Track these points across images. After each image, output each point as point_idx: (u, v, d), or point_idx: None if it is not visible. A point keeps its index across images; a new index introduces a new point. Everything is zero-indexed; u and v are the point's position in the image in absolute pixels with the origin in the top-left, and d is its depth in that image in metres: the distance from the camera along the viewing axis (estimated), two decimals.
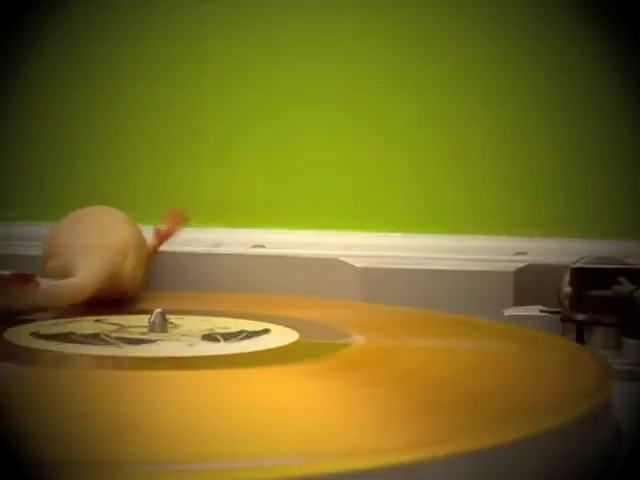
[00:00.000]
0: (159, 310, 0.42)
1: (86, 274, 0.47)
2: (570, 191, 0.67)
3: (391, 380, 0.35)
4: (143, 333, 0.41)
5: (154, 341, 0.40)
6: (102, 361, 0.37)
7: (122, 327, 0.43)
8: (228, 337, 0.41)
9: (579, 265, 0.54)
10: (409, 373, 0.36)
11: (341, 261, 0.62)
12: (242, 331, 0.43)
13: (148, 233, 0.61)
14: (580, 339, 0.51)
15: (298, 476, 0.23)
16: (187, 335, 0.41)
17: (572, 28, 0.66)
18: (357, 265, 0.62)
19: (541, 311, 0.55)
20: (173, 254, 0.63)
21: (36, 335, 0.41)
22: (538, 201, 0.67)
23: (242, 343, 0.40)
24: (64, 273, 0.48)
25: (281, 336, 0.42)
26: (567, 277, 0.55)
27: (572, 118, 0.67)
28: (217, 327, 0.43)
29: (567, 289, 0.54)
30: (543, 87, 0.67)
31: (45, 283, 0.44)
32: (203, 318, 0.46)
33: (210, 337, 0.41)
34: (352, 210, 0.68)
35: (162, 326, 0.42)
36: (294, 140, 0.69)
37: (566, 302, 0.54)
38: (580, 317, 0.51)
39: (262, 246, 0.65)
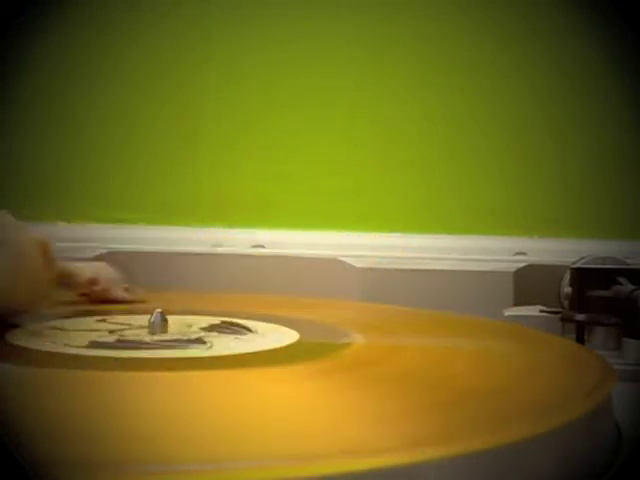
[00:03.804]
0: (159, 310, 0.42)
1: None
2: (570, 191, 0.67)
3: (391, 380, 0.35)
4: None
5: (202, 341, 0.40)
6: (102, 362, 0.37)
7: (131, 326, 0.43)
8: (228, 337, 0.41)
9: (579, 265, 0.54)
10: (409, 373, 0.36)
11: (341, 261, 0.62)
12: (243, 328, 0.43)
13: (150, 233, 0.61)
14: (580, 339, 0.51)
15: (298, 476, 0.23)
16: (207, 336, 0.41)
17: (574, 29, 0.66)
18: (357, 265, 0.62)
19: (541, 311, 0.55)
20: (173, 254, 0.63)
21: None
22: (538, 201, 0.67)
23: (244, 342, 0.40)
24: None
25: (281, 336, 0.42)
26: (567, 277, 0.55)
27: (572, 118, 0.67)
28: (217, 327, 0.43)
29: (567, 289, 0.54)
30: (543, 87, 0.67)
31: None
32: (203, 318, 0.46)
33: (210, 337, 0.41)
34: (352, 210, 0.68)
35: (162, 326, 0.42)
36: (294, 140, 0.69)
37: (566, 302, 0.54)
38: (580, 317, 0.51)
39: (262, 246, 0.65)
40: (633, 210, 0.66)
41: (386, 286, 0.60)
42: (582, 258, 0.55)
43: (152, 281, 0.61)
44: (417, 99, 0.68)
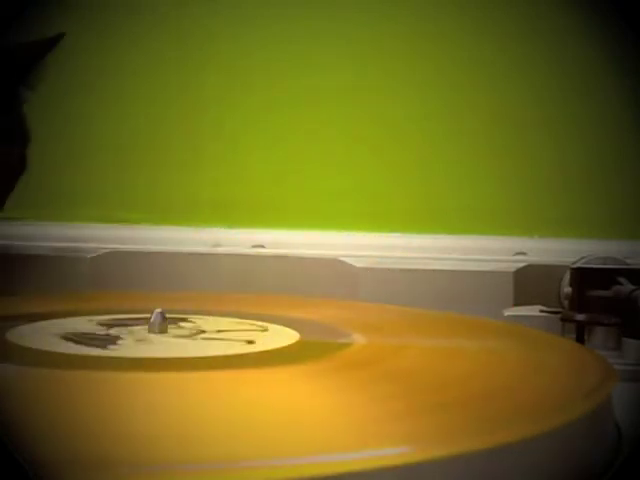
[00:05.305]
0: (159, 310, 0.42)
1: None
2: (570, 191, 0.67)
3: (391, 380, 0.35)
4: (144, 333, 0.41)
5: (159, 341, 0.40)
6: (102, 362, 0.37)
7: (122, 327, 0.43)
8: (228, 337, 0.41)
9: (579, 265, 0.54)
10: (409, 373, 0.36)
11: (341, 261, 0.62)
12: (242, 331, 0.43)
13: (150, 233, 0.61)
14: (580, 339, 0.51)
15: (298, 476, 0.23)
16: (189, 335, 0.41)
17: (574, 29, 0.66)
18: (357, 265, 0.62)
19: (541, 311, 0.55)
20: (173, 254, 0.63)
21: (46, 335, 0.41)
22: (538, 201, 0.67)
23: (242, 343, 0.40)
24: None
25: (281, 336, 0.42)
26: (567, 277, 0.55)
27: (572, 118, 0.67)
28: (217, 327, 0.43)
29: (567, 289, 0.54)
30: (543, 87, 0.67)
31: None
32: (203, 318, 0.46)
33: (211, 337, 0.41)
34: (352, 211, 0.68)
35: (162, 326, 0.41)
36: (294, 141, 0.69)
37: (566, 302, 0.54)
38: (580, 317, 0.51)
39: (262, 246, 0.65)
40: (633, 210, 0.66)
41: (386, 286, 0.60)
42: (582, 258, 0.55)
43: (152, 281, 0.61)
44: (417, 99, 0.68)
